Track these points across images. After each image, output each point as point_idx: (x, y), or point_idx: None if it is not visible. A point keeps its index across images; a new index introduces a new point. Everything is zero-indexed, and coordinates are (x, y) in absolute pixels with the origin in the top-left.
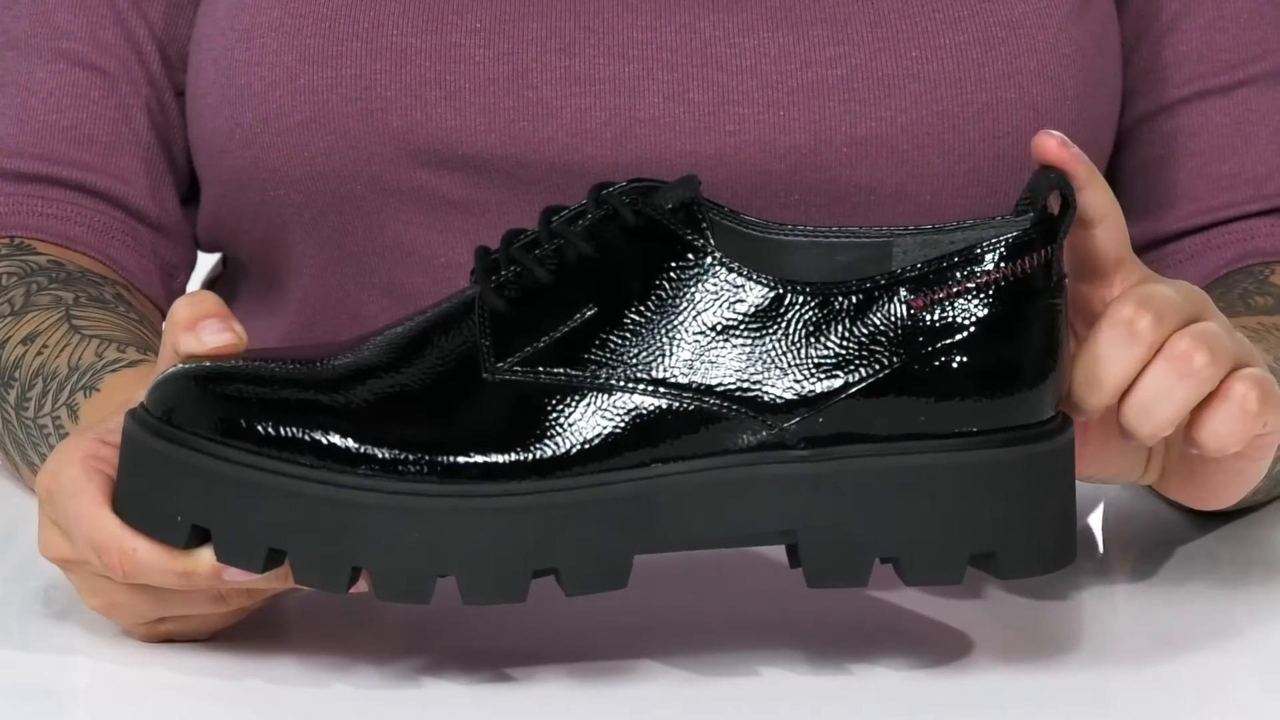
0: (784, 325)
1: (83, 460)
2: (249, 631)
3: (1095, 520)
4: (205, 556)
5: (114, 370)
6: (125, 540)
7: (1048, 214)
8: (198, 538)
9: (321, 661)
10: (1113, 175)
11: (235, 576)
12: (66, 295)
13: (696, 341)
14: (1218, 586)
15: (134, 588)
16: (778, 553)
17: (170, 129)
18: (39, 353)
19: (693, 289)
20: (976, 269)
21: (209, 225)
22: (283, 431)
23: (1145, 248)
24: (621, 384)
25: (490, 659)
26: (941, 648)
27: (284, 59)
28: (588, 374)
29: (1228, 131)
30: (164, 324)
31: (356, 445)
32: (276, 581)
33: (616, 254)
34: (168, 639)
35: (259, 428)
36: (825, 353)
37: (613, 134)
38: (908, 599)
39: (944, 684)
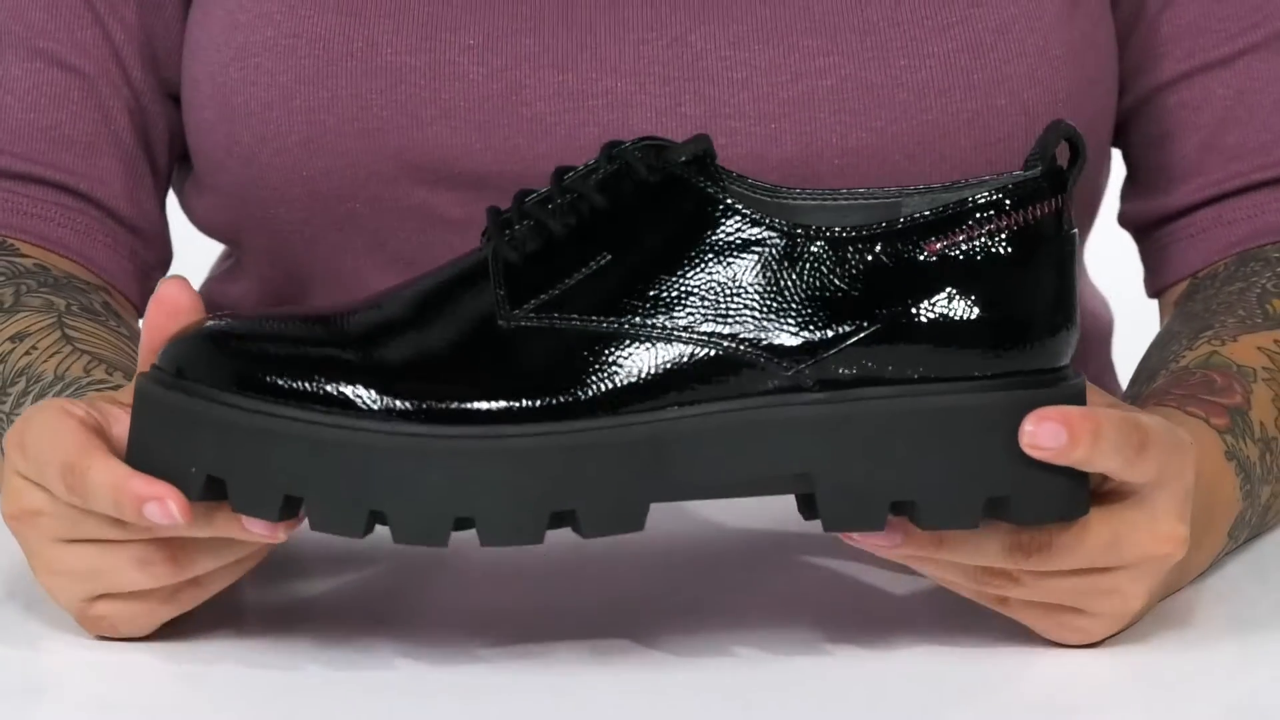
0: (799, 270)
1: (56, 408)
2: (265, 619)
3: None
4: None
5: (99, 390)
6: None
7: (1057, 165)
8: (212, 488)
9: (337, 642)
10: (1121, 153)
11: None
12: (59, 301)
13: (712, 287)
14: (1240, 576)
15: (82, 549)
16: (793, 539)
17: (150, 130)
18: (26, 353)
19: (708, 235)
20: (988, 214)
21: (212, 226)
22: (301, 385)
23: (1156, 224)
24: (637, 330)
25: (503, 639)
26: (959, 634)
27: (280, 79)
28: (603, 320)
29: (1230, 103)
30: (140, 322)
31: (376, 396)
32: (211, 529)
33: (630, 205)
34: (104, 633)
35: (278, 381)
36: (839, 297)
37: None
38: (925, 585)
39: (960, 669)
